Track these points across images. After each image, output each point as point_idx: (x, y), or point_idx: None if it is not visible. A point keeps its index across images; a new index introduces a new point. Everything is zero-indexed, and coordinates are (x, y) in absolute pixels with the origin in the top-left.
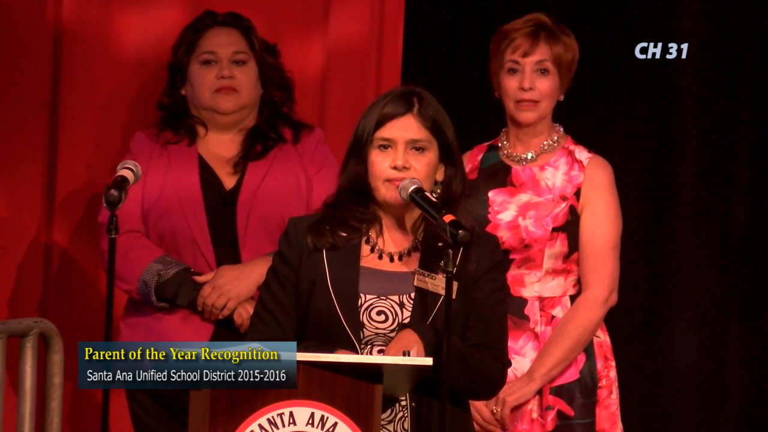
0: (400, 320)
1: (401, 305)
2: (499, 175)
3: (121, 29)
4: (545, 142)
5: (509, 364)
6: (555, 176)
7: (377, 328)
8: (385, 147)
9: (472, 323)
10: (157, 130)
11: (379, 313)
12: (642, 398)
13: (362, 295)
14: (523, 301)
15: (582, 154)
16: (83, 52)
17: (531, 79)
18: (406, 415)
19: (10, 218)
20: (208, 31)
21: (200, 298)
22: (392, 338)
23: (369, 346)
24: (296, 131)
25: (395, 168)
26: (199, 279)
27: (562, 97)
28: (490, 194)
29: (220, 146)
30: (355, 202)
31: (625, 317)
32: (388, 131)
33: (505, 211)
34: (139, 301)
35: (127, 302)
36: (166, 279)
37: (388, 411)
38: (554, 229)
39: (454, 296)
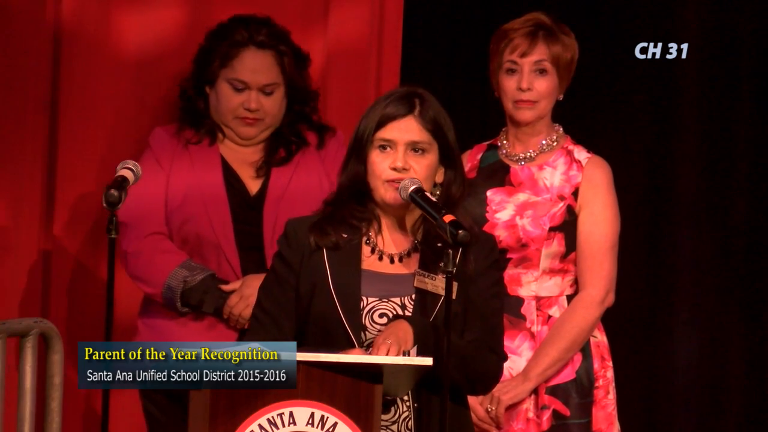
0: None
1: (403, 307)
2: (497, 174)
3: (121, 29)
4: (544, 142)
5: (505, 357)
6: (553, 176)
7: (379, 331)
8: (385, 147)
9: (468, 318)
10: (177, 128)
11: (381, 315)
12: (642, 398)
13: (364, 298)
14: (519, 301)
15: (581, 154)
16: (83, 52)
17: (529, 79)
18: (410, 415)
19: (10, 218)
20: (244, 52)
21: (227, 307)
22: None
23: (371, 349)
24: (321, 135)
25: (395, 169)
26: (226, 288)
27: (561, 97)
28: (489, 193)
29: (242, 149)
30: (354, 202)
31: (625, 317)
32: (388, 132)
33: (503, 210)
34: (161, 304)
35: (145, 301)
36: (191, 285)
37: (392, 411)
38: (551, 229)
39: (454, 296)
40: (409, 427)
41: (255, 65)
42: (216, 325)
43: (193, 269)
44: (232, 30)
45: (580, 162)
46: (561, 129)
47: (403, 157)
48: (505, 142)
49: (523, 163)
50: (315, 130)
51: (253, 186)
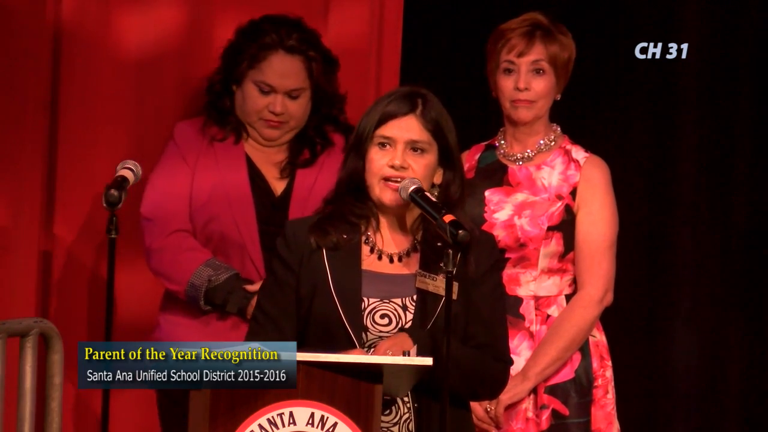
0: (403, 323)
1: (404, 308)
2: (496, 174)
3: (121, 29)
4: (542, 141)
5: (511, 362)
6: (551, 175)
7: (381, 332)
8: (385, 145)
9: (472, 324)
10: (201, 123)
11: (382, 316)
12: (641, 398)
13: (365, 299)
14: (518, 300)
15: (579, 153)
16: (83, 52)
17: (526, 79)
18: (411, 416)
19: (10, 218)
20: (273, 56)
21: (251, 307)
22: None
23: (372, 350)
24: (347, 137)
25: (392, 167)
26: (250, 288)
27: (559, 97)
28: (487, 193)
29: (266, 149)
30: (353, 198)
31: (625, 317)
32: (388, 129)
33: (501, 210)
34: (183, 301)
35: (166, 297)
36: (216, 284)
37: (393, 412)
38: (550, 228)
39: (455, 297)
40: (410, 428)
41: (283, 70)
42: (239, 325)
43: (218, 268)
44: (263, 31)
45: (578, 161)
46: (559, 129)
47: (401, 156)
48: (502, 142)
49: (521, 162)
50: (341, 132)
51: (278, 186)
